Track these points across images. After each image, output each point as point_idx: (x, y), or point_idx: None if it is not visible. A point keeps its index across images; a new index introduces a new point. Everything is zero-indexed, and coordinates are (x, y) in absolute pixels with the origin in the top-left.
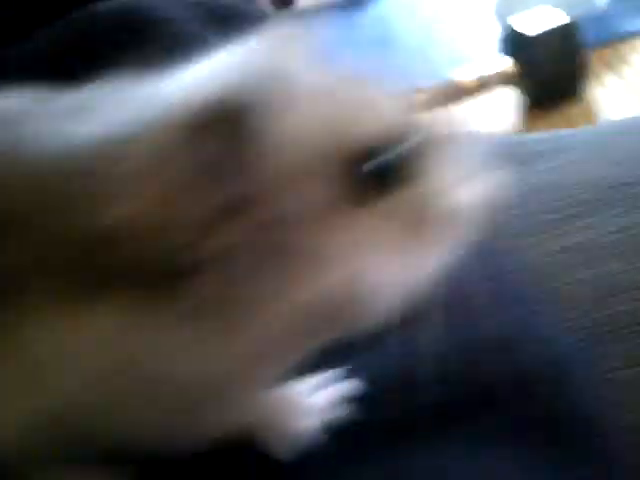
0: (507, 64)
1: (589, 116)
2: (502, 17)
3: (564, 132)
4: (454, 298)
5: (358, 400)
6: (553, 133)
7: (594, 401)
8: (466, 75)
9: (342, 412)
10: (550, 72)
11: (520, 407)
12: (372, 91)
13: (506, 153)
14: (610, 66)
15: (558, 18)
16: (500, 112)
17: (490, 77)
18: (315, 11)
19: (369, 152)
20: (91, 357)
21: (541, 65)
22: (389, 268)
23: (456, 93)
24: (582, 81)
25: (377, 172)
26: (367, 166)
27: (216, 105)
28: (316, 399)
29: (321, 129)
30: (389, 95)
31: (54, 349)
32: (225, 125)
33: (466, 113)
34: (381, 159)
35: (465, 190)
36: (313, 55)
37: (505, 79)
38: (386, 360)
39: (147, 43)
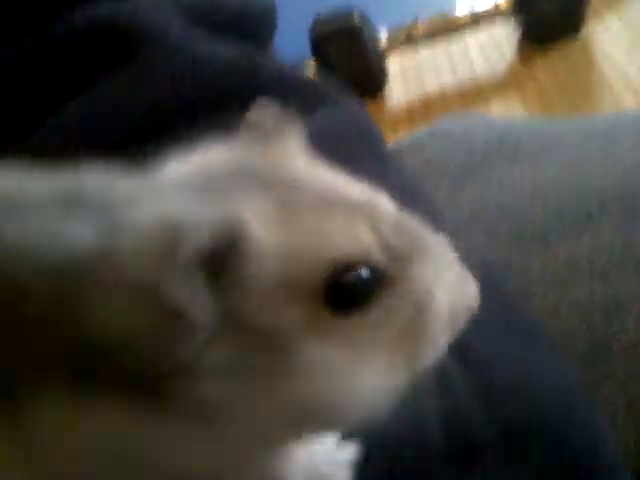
0: None
1: (588, 55)
2: None
3: (551, 127)
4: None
5: (373, 452)
6: (540, 127)
7: (602, 441)
8: (461, 8)
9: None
10: (548, 7)
11: (537, 444)
12: (348, 212)
13: (494, 150)
14: (610, 4)
15: None
16: (496, 48)
17: (486, 10)
18: None
19: (347, 268)
20: (91, 450)
21: (538, 0)
22: (376, 376)
23: (451, 27)
24: (582, 18)
25: (358, 286)
26: (346, 282)
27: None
28: (333, 459)
29: (298, 250)
30: (366, 214)
31: (56, 443)
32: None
33: (462, 49)
34: (359, 275)
35: (447, 290)
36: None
37: (502, 13)
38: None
39: (136, 60)
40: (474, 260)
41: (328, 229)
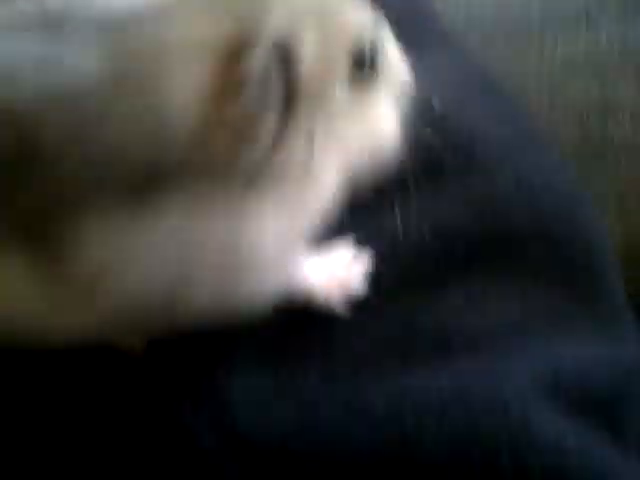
0: None
1: None
2: None
3: None
4: (468, 149)
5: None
6: None
7: (603, 237)
8: None
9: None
10: None
11: (537, 247)
12: None
13: None
14: None
15: None
16: None
17: None
18: None
19: (362, 46)
20: (156, 253)
21: None
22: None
23: None
24: None
25: (369, 55)
26: (363, 53)
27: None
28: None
29: (333, 37)
30: None
31: (117, 254)
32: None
33: None
34: (369, 49)
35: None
36: None
37: None
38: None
39: None
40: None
41: (350, 19)
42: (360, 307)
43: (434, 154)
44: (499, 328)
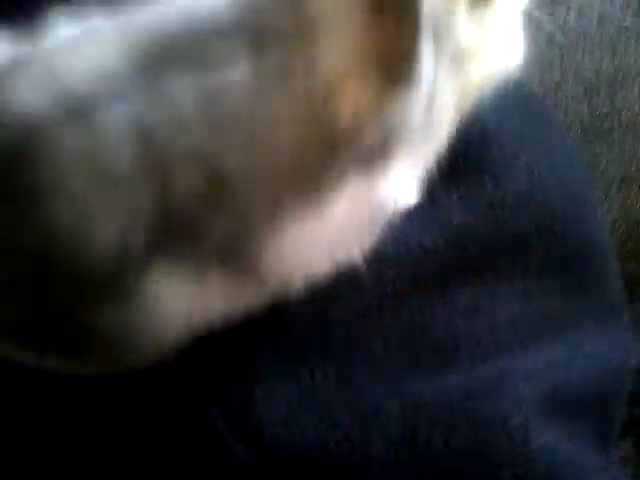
0: None
1: None
2: None
3: None
4: (481, 145)
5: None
6: None
7: (605, 235)
8: None
9: None
10: None
11: (542, 246)
12: None
13: None
14: None
15: None
16: None
17: None
18: None
19: None
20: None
21: None
22: None
23: None
24: None
25: None
26: None
27: None
28: None
29: None
30: None
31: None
32: None
33: None
34: None
35: None
36: None
37: None
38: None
39: None
40: None
41: None
42: (373, 308)
43: (447, 153)
44: (503, 331)
